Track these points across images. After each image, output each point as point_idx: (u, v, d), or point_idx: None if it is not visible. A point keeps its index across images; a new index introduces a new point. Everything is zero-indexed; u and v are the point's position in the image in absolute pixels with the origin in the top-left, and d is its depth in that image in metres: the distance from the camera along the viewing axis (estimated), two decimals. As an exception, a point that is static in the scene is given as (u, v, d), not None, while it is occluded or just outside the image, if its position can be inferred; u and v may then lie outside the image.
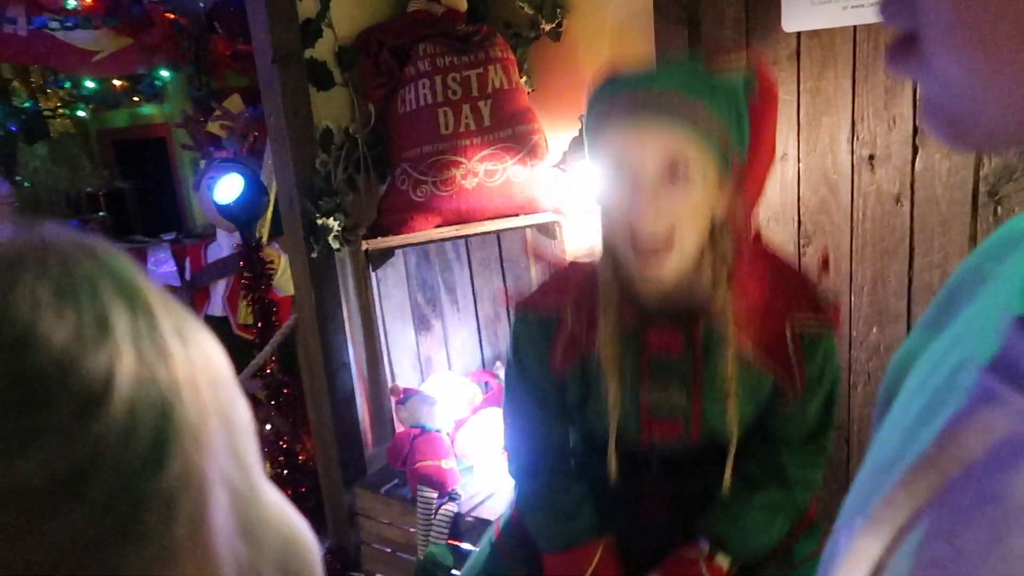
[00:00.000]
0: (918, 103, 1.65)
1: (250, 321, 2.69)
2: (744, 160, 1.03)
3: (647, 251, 1.00)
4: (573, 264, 1.22)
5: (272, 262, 2.67)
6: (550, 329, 1.17)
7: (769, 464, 1.18)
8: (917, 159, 1.68)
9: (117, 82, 3.98)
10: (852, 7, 1.67)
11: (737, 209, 1.05)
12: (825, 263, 1.20)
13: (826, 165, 1.80)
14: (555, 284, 1.21)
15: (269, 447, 2.68)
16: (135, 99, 3.96)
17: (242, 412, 0.36)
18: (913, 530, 0.31)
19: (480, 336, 2.41)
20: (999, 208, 1.61)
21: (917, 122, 1.66)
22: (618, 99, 1.00)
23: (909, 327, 1.76)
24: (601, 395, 1.14)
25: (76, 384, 0.27)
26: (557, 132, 2.11)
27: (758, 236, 1.16)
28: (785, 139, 1.84)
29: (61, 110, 4.05)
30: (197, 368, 0.32)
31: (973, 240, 1.65)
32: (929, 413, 0.34)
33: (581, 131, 1.92)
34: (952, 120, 0.32)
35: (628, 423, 1.17)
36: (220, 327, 3.07)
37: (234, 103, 3.01)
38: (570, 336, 1.14)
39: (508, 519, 1.35)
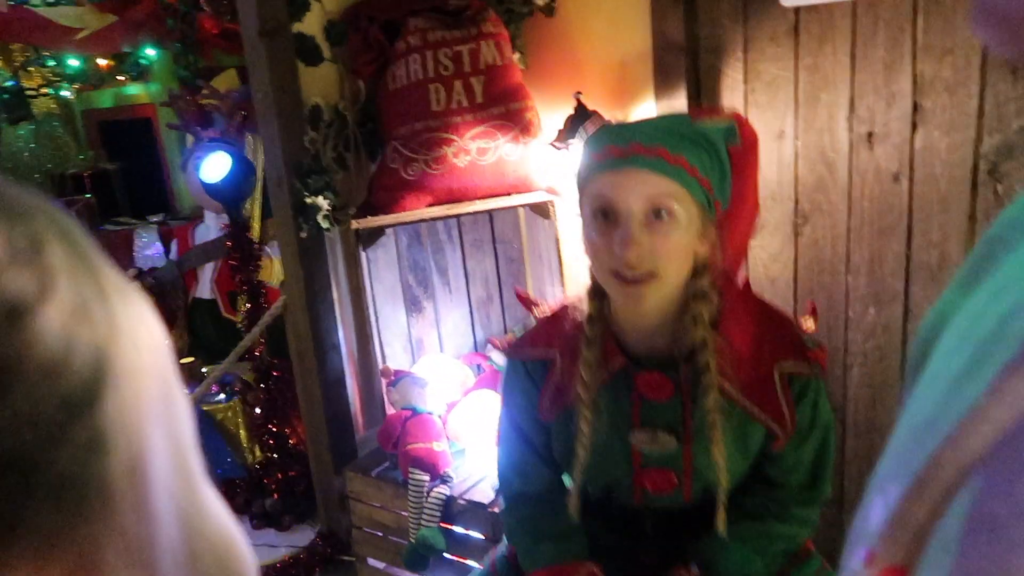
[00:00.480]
0: (918, 85, 1.63)
1: (244, 311, 2.65)
2: (727, 206, 1.08)
3: (630, 282, 1.03)
4: (564, 309, 1.22)
5: (262, 261, 2.63)
6: (539, 375, 1.19)
7: (766, 500, 1.19)
8: (916, 137, 1.66)
9: (102, 61, 3.90)
10: (852, -19, 1.64)
11: (720, 254, 1.08)
12: (814, 311, 1.22)
13: (823, 143, 1.77)
14: (545, 330, 1.22)
15: (258, 431, 2.65)
16: (120, 78, 3.89)
17: (181, 399, 0.36)
18: (963, 489, 0.28)
19: (472, 318, 2.38)
20: (999, 187, 1.59)
21: (917, 97, 1.64)
22: (605, 151, 1.04)
23: (906, 308, 1.74)
24: (584, 442, 1.14)
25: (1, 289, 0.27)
26: (551, 110, 2.07)
27: (747, 285, 1.20)
28: (783, 117, 1.81)
29: (44, 89, 3.97)
30: (136, 327, 0.32)
31: (972, 219, 1.63)
32: (975, 366, 0.31)
33: (567, 131, 1.88)
34: (1005, 18, 0.30)
35: (619, 474, 1.17)
36: (209, 310, 3.03)
37: (228, 79, 2.95)
38: (559, 383, 1.16)
39: (504, 553, 1.35)
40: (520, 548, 1.25)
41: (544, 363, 1.19)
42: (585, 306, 1.15)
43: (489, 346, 2.33)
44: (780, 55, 1.79)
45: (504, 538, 1.37)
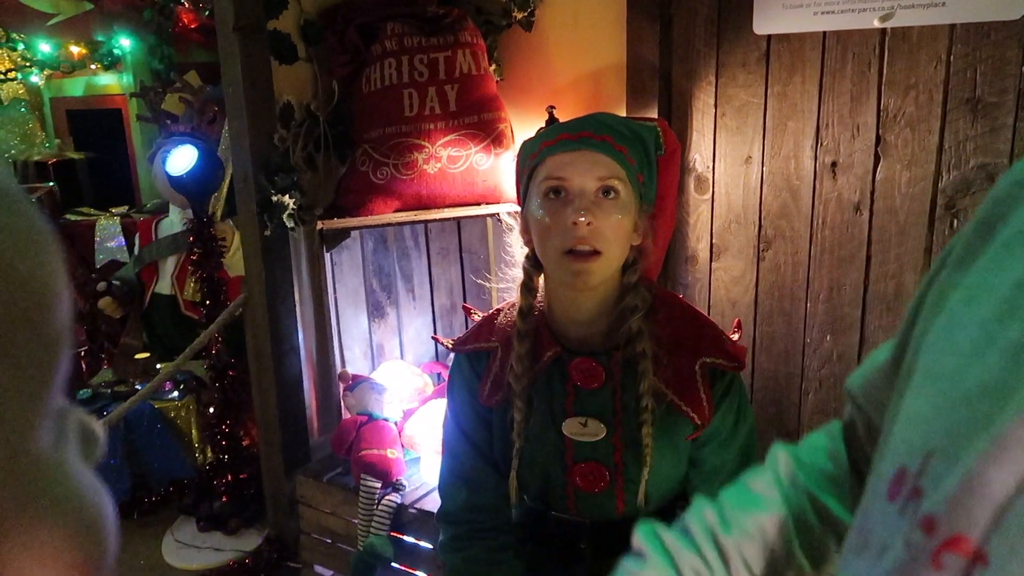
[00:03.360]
0: (882, 118, 1.66)
1: (197, 299, 2.61)
2: (652, 208, 1.16)
3: (580, 257, 1.07)
4: (505, 309, 1.26)
5: (224, 239, 2.60)
6: (480, 366, 1.23)
7: None
8: (878, 169, 1.69)
9: (74, 48, 3.85)
10: (823, 13, 1.67)
11: (649, 249, 1.15)
12: (739, 327, 1.28)
13: (789, 170, 1.80)
14: (486, 325, 1.25)
15: (211, 431, 2.60)
16: (92, 67, 3.83)
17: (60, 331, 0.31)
18: None
19: (435, 326, 2.37)
20: (955, 221, 1.62)
21: (880, 131, 1.67)
22: (557, 137, 1.11)
23: (862, 336, 1.77)
24: (519, 431, 1.17)
25: None
26: (524, 123, 2.08)
27: (667, 290, 1.26)
28: (751, 142, 1.84)
29: (12, 74, 3.90)
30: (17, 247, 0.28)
31: (928, 253, 1.66)
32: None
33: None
34: None
35: (553, 468, 1.19)
36: (168, 306, 2.97)
37: (193, 78, 2.92)
38: (497, 373, 1.19)
39: None
40: (450, 569, 1.24)
41: (485, 354, 1.22)
42: (517, 300, 1.19)
43: (451, 355, 2.31)
44: (751, 81, 1.81)
45: None
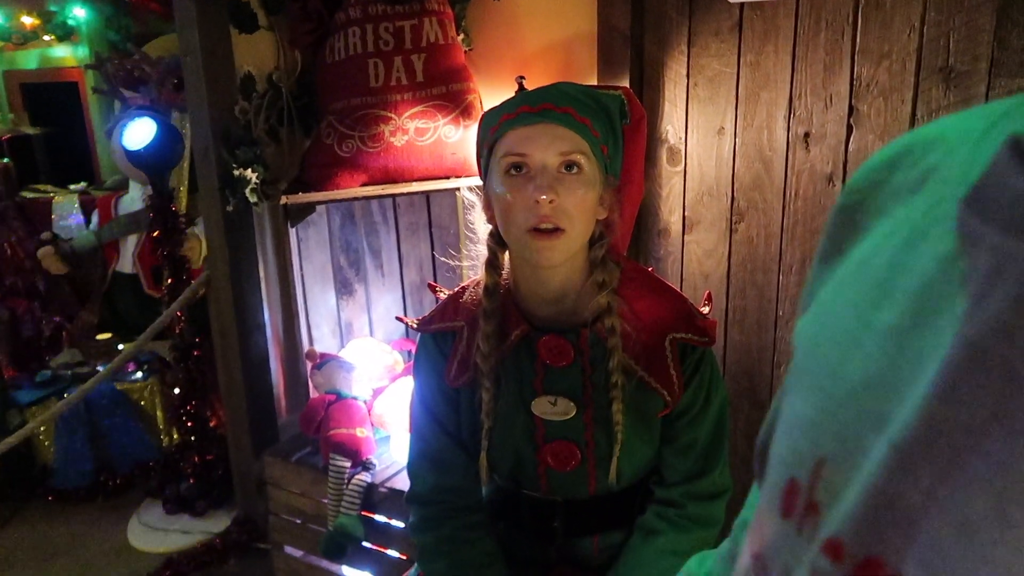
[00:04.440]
0: (855, 88, 1.64)
1: (167, 286, 2.54)
2: (618, 180, 1.12)
3: (544, 235, 1.04)
4: (470, 287, 1.23)
5: (191, 243, 2.52)
6: (446, 346, 1.19)
7: (666, 509, 1.18)
8: (851, 139, 1.67)
9: (27, 20, 3.71)
10: (796, -20, 1.64)
11: (615, 222, 1.13)
12: (709, 299, 1.26)
13: (762, 141, 1.77)
14: (452, 304, 1.22)
15: (176, 412, 2.54)
16: (46, 39, 3.70)
17: None
18: (977, 456, 0.25)
19: (405, 303, 2.33)
20: (927, 192, 1.61)
21: (853, 100, 1.65)
22: (519, 111, 1.07)
23: (834, 308, 1.76)
24: (487, 411, 1.15)
25: None
26: (493, 94, 2.03)
27: (636, 264, 1.23)
28: (723, 113, 1.81)
29: (-38, 46, 3.75)
30: None
31: (900, 223, 1.65)
32: (918, 318, 0.29)
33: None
34: None
35: (524, 448, 1.17)
36: (130, 285, 2.90)
37: (168, 43, 2.83)
38: (464, 353, 1.16)
39: None
40: (432, 574, 1.22)
41: (451, 334, 1.19)
42: (482, 278, 1.16)
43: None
44: (723, 51, 1.78)
45: (416, 563, 1.31)
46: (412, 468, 1.25)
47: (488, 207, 1.13)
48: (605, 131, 1.08)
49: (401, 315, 1.44)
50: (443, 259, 2.06)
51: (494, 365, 1.13)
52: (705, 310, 1.20)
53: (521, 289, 1.15)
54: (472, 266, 1.27)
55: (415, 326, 1.25)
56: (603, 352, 1.10)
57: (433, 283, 1.38)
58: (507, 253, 1.16)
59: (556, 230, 1.03)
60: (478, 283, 1.19)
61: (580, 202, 1.04)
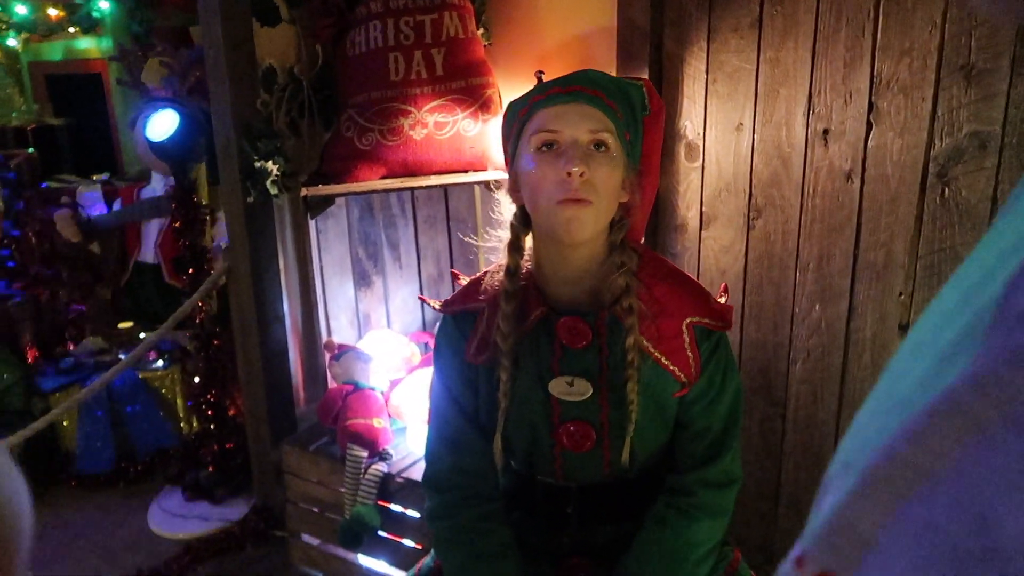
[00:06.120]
0: (875, 85, 1.64)
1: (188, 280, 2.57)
2: (637, 166, 1.16)
3: (572, 203, 1.06)
4: (492, 271, 1.26)
5: (207, 212, 2.55)
6: (467, 326, 1.22)
7: (676, 497, 1.19)
8: (871, 136, 1.67)
9: (52, 11, 3.75)
10: (818, -24, 1.64)
11: (635, 206, 1.16)
12: (725, 290, 1.28)
13: (780, 138, 1.77)
14: (474, 287, 1.25)
15: (196, 400, 2.58)
16: (71, 31, 3.74)
17: None
18: (917, 498, 0.25)
19: (422, 295, 2.35)
20: (946, 190, 1.61)
21: (873, 97, 1.65)
22: (548, 91, 1.11)
23: (851, 306, 1.76)
24: (505, 390, 1.17)
25: None
26: (512, 88, 2.04)
27: (653, 251, 1.26)
28: (742, 109, 1.81)
29: (-11, 37, 3.80)
30: None
31: (919, 221, 1.65)
32: (963, 343, 0.27)
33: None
34: None
35: (540, 427, 1.18)
36: (152, 275, 2.94)
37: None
38: (484, 333, 1.19)
39: (430, 565, 1.33)
40: (451, 565, 1.23)
41: (472, 314, 1.22)
42: (504, 260, 1.18)
43: (438, 324, 2.30)
44: (743, 47, 1.78)
45: (432, 551, 1.33)
46: (429, 449, 1.28)
47: (514, 188, 1.16)
48: (628, 118, 1.11)
49: (423, 296, 1.46)
50: (466, 239, 2.07)
51: (513, 345, 1.15)
52: (722, 300, 1.21)
53: (543, 270, 1.17)
54: (491, 249, 1.30)
55: (438, 307, 1.28)
56: (620, 334, 1.12)
57: (455, 271, 1.41)
58: (529, 236, 1.19)
59: (585, 200, 1.06)
60: (499, 267, 1.21)
61: (607, 179, 1.07)
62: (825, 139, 1.72)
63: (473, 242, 1.66)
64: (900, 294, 1.69)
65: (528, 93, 1.14)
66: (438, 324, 1.30)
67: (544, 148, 1.08)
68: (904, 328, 1.70)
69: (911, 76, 1.60)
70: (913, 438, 0.26)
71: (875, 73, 1.64)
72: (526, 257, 1.19)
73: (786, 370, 1.87)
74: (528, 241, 1.19)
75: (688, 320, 1.14)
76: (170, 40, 2.81)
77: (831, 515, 0.28)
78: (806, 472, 1.90)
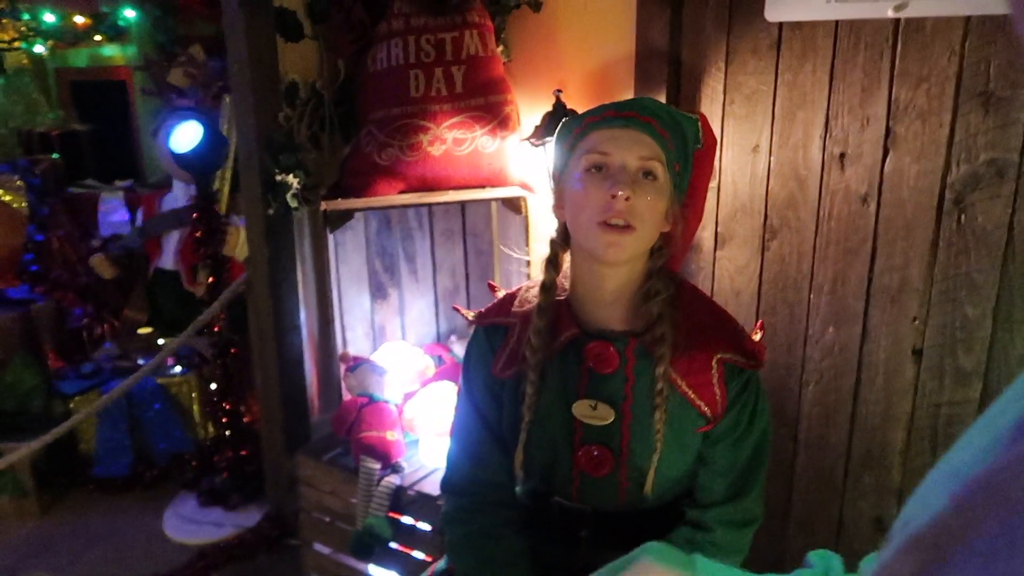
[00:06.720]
0: (892, 110, 1.64)
1: (206, 283, 2.60)
2: (683, 198, 1.16)
3: (614, 229, 1.07)
4: (526, 286, 1.27)
5: (227, 232, 2.59)
6: (497, 340, 1.23)
7: (694, 532, 1.19)
8: (887, 161, 1.67)
9: (79, 19, 3.82)
10: (836, 1, 1.65)
11: (677, 237, 1.15)
12: (762, 327, 1.27)
13: (797, 160, 1.78)
14: (507, 301, 1.26)
15: (212, 407, 2.61)
16: (97, 39, 3.81)
17: None
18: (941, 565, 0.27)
19: (437, 308, 2.37)
20: (963, 216, 1.61)
21: (890, 122, 1.65)
22: (603, 113, 1.12)
23: (865, 329, 1.76)
24: (530, 404, 1.18)
25: None
26: (531, 106, 2.06)
27: (691, 283, 1.26)
28: (759, 131, 1.82)
29: (17, 44, 3.87)
30: None
31: (935, 247, 1.65)
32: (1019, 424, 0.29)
33: (543, 131, 1.88)
34: None
35: (560, 446, 1.19)
36: (171, 281, 2.98)
37: (196, 51, 2.90)
38: (514, 347, 1.20)
39: (443, 568, 1.34)
40: (463, 569, 1.24)
41: (503, 328, 1.23)
42: (542, 275, 1.20)
43: (452, 338, 2.32)
44: (761, 69, 1.79)
45: (445, 555, 1.34)
46: (451, 457, 1.29)
47: (559, 206, 1.17)
48: (679, 149, 1.12)
49: (458, 306, 1.48)
50: (506, 250, 2.09)
51: (542, 360, 1.16)
52: (756, 337, 1.21)
53: (578, 289, 1.18)
54: (512, 262, 1.31)
55: (471, 318, 1.29)
56: (648, 363, 1.13)
57: (493, 283, 1.42)
58: (568, 253, 1.20)
59: (627, 227, 1.06)
60: (535, 283, 1.23)
61: (652, 207, 1.08)
62: (842, 163, 1.73)
63: (521, 256, 1.69)
64: (914, 319, 1.69)
65: (583, 113, 1.15)
66: (453, 337, 1.32)
67: (593, 169, 1.09)
68: (918, 353, 1.70)
69: (929, 102, 1.61)
70: (956, 506, 0.28)
71: (893, 98, 1.65)
72: (561, 276, 1.20)
73: (799, 391, 1.88)
74: (566, 259, 1.20)
75: (719, 356, 1.13)
76: (204, 47, 2.85)
77: (879, 568, 0.31)
78: (816, 493, 1.90)
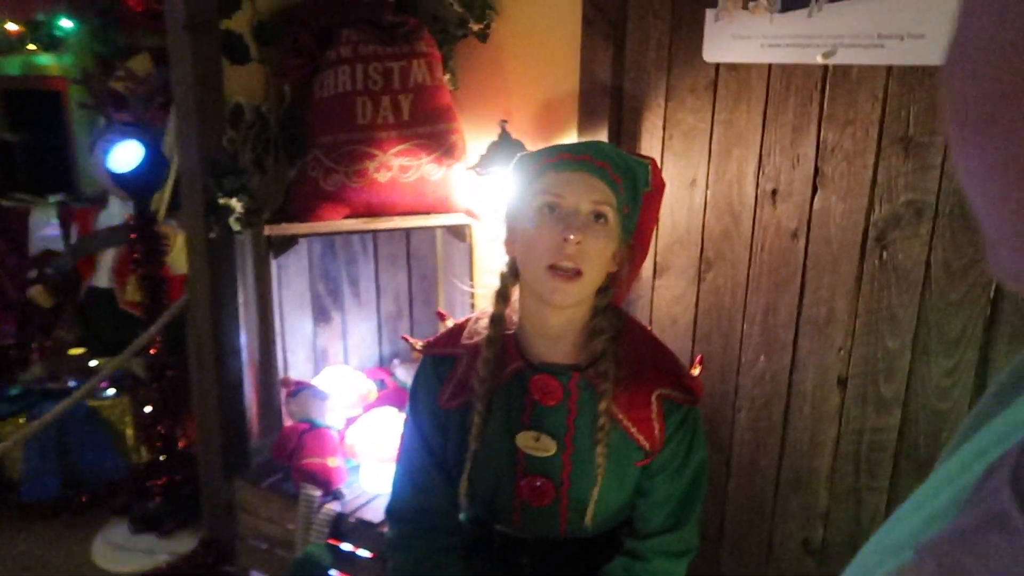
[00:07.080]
0: (821, 151, 1.73)
1: (138, 298, 2.55)
2: (630, 239, 1.19)
3: (562, 274, 1.10)
4: (475, 318, 1.29)
5: (167, 238, 2.54)
6: (444, 369, 1.25)
7: (632, 562, 1.23)
8: (816, 199, 1.76)
9: (12, 26, 3.70)
10: (770, 45, 1.73)
11: (622, 277, 1.20)
12: (700, 361, 1.33)
13: (732, 195, 1.85)
14: (458, 331, 1.28)
15: (147, 430, 2.55)
16: (30, 47, 3.69)
17: None
18: None
19: (380, 332, 2.37)
20: (884, 253, 1.70)
21: (819, 162, 1.74)
22: (558, 155, 1.15)
23: (793, 359, 1.84)
24: (475, 434, 1.20)
25: None
26: (477, 134, 2.10)
27: (635, 320, 1.30)
28: (696, 166, 1.89)
29: (-56, 49, 3.73)
30: None
31: (859, 281, 1.74)
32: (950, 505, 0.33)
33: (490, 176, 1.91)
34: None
35: (503, 476, 1.22)
36: (106, 300, 2.90)
37: (140, 63, 2.85)
38: (461, 378, 1.22)
39: None
40: None
41: (451, 359, 1.25)
42: (491, 307, 1.22)
43: (395, 361, 2.32)
44: (698, 107, 1.86)
45: None
46: (396, 484, 1.31)
47: (510, 241, 1.20)
48: (629, 193, 1.16)
49: (406, 335, 1.50)
50: (458, 283, 2.11)
51: (489, 390, 1.19)
52: (695, 371, 1.26)
53: (525, 323, 1.21)
54: (458, 291, 1.33)
55: (419, 348, 1.31)
56: (590, 397, 1.16)
57: (442, 311, 1.44)
58: (517, 287, 1.23)
59: (576, 273, 1.10)
60: (484, 315, 1.25)
61: (601, 250, 1.12)
62: (773, 199, 1.81)
63: (466, 288, 1.73)
64: (840, 349, 1.78)
65: (539, 152, 1.19)
66: (396, 360, 1.33)
67: (546, 209, 1.12)
68: (843, 382, 1.78)
69: (854, 144, 1.70)
70: (963, 543, 0.30)
71: (821, 139, 1.73)
72: (510, 309, 1.23)
73: (731, 418, 1.94)
74: (515, 292, 1.23)
75: (658, 392, 1.17)
76: (151, 56, 2.80)
77: None
78: (747, 516, 1.96)
